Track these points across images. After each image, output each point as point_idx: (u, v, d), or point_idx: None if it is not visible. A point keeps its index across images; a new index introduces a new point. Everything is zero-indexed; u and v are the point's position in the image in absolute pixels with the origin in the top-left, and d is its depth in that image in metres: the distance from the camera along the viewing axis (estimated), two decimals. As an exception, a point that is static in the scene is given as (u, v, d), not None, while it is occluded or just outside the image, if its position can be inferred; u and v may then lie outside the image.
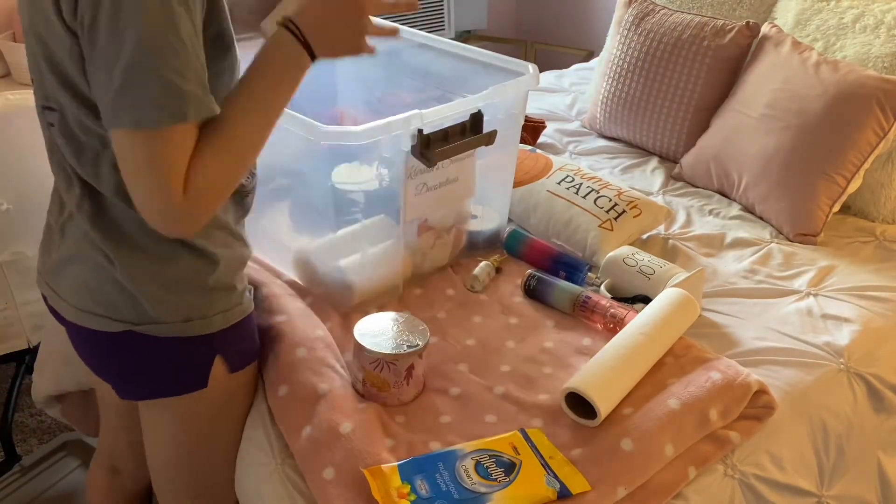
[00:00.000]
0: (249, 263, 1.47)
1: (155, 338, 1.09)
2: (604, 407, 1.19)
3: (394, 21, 3.29)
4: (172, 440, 1.22)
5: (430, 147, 1.34)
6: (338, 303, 1.43)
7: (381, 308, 1.45)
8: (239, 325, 1.17)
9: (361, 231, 1.44)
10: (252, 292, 1.25)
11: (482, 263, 1.57)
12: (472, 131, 1.40)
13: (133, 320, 1.08)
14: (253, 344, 1.24)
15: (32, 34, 1.00)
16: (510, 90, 1.48)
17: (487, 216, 1.65)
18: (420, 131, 1.33)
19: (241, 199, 1.17)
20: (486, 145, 1.43)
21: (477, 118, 1.40)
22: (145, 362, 1.12)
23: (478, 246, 1.64)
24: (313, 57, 1.02)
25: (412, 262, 1.52)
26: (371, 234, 1.45)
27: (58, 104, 1.01)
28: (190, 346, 1.12)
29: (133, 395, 1.17)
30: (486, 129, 1.41)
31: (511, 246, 1.66)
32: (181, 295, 1.09)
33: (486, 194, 1.61)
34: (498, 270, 1.59)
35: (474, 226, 1.62)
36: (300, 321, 1.33)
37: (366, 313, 1.34)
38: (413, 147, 1.34)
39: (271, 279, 1.43)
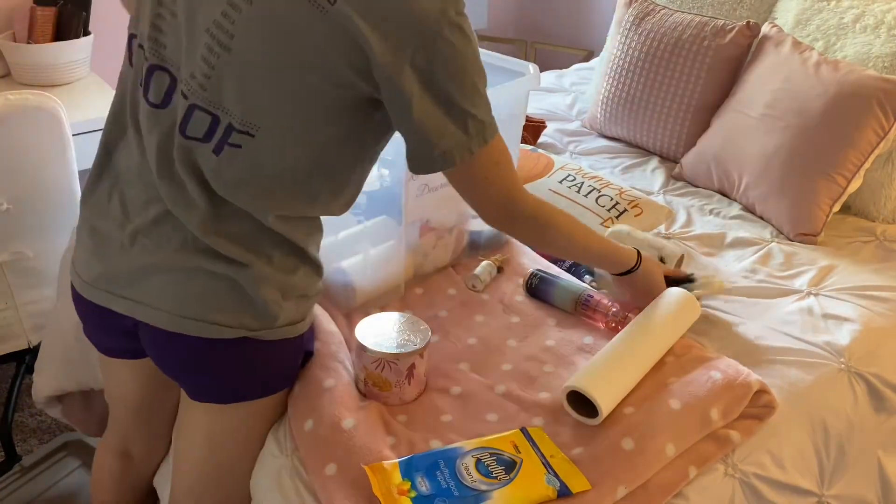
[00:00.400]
0: None
1: (267, 342, 1.15)
2: (605, 405, 1.19)
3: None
4: (212, 441, 1.23)
5: None
6: (341, 304, 1.44)
7: (382, 308, 1.45)
8: (312, 326, 1.27)
9: (363, 232, 1.44)
10: None
11: (483, 263, 1.57)
12: None
13: (250, 326, 1.12)
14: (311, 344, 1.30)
15: (294, 68, 1.01)
16: (511, 91, 1.48)
17: None
18: None
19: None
20: None
21: None
22: (254, 365, 1.17)
23: (479, 246, 1.64)
24: (623, 274, 1.37)
25: (414, 262, 1.52)
26: (373, 236, 1.45)
27: (275, 133, 1.04)
28: (292, 347, 1.20)
29: (222, 397, 1.19)
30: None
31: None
32: (293, 301, 1.16)
33: None
34: (499, 270, 1.59)
35: (475, 226, 1.62)
36: (316, 314, 1.34)
37: (367, 313, 1.34)
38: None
39: None
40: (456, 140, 1.04)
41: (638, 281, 1.39)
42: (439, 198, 1.47)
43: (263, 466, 1.22)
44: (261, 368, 1.18)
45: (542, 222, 1.19)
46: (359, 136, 1.09)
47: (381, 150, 1.16)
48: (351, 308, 1.43)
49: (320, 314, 1.35)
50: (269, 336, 1.14)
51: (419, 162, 1.07)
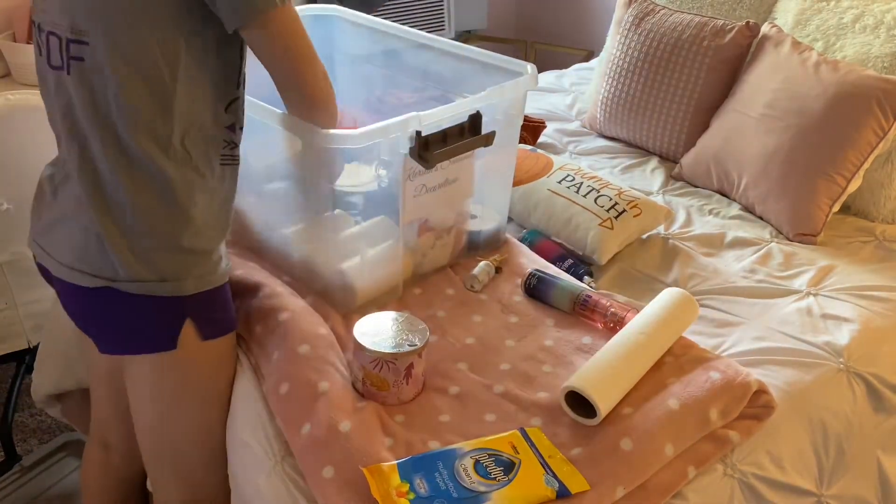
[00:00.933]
0: (251, 264, 1.47)
1: (130, 294, 1.15)
2: (603, 406, 1.19)
3: (394, 20, 3.30)
4: (149, 400, 1.26)
5: (428, 149, 1.34)
6: (340, 305, 1.44)
7: (380, 308, 1.45)
8: (212, 292, 1.22)
9: (361, 233, 1.44)
10: (228, 261, 1.27)
11: (482, 263, 1.57)
12: (470, 133, 1.40)
13: (111, 276, 1.14)
14: (227, 314, 1.27)
15: None
16: (508, 91, 1.48)
17: (487, 216, 1.65)
18: (418, 133, 1.33)
19: (228, 149, 1.21)
20: (485, 146, 1.43)
21: (475, 119, 1.40)
22: (121, 318, 1.18)
23: (478, 246, 1.64)
24: None
25: (412, 262, 1.52)
26: (371, 236, 1.45)
27: (103, 36, 1.05)
28: (162, 306, 1.17)
29: (110, 349, 1.23)
30: (484, 129, 1.41)
31: (531, 240, 1.71)
32: (156, 253, 1.14)
33: (486, 194, 1.61)
34: (498, 270, 1.59)
35: (474, 226, 1.62)
36: (304, 318, 1.33)
37: (366, 313, 1.34)
38: (411, 149, 1.34)
39: (273, 280, 1.43)
40: None
41: None
42: (438, 197, 1.47)
43: (252, 472, 1.21)
44: (132, 322, 1.18)
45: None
46: (194, 54, 1.10)
47: (233, 91, 1.19)
48: (350, 309, 1.43)
49: (305, 319, 1.33)
50: (134, 290, 1.14)
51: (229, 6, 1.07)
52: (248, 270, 1.45)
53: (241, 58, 1.19)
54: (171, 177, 1.12)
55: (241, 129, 1.24)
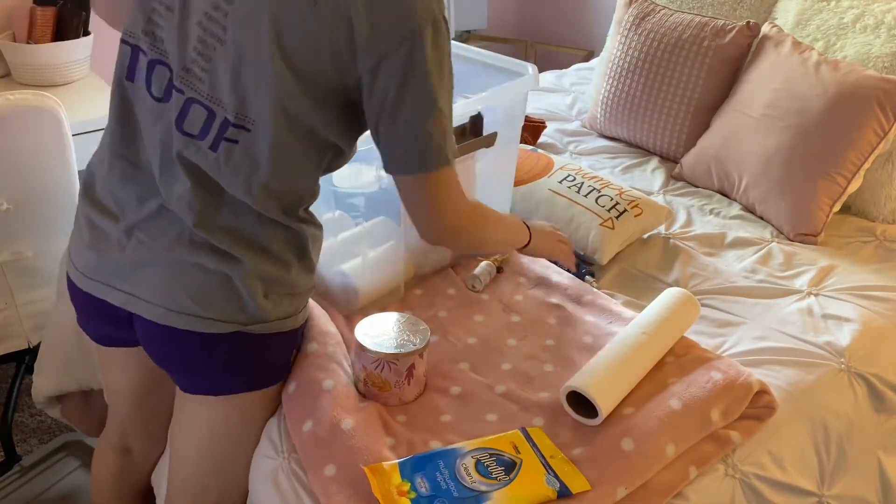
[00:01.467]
0: None
1: (258, 335, 1.15)
2: (605, 406, 1.19)
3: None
4: (207, 434, 1.24)
5: None
6: (342, 307, 1.44)
7: (382, 309, 1.45)
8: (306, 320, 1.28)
9: (362, 234, 1.44)
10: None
11: (483, 263, 1.57)
12: (472, 133, 1.40)
13: (242, 321, 1.13)
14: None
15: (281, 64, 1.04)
16: (510, 92, 1.48)
17: None
18: None
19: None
20: (487, 147, 1.43)
21: (477, 120, 1.40)
22: (245, 359, 1.18)
23: None
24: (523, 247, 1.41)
25: (414, 263, 1.52)
26: (372, 237, 1.45)
27: (269, 125, 1.06)
28: (284, 341, 1.21)
29: (214, 390, 1.20)
30: (486, 130, 1.41)
31: None
32: (286, 296, 1.17)
33: (487, 194, 1.61)
34: (499, 270, 1.59)
35: None
36: (314, 315, 1.33)
37: (368, 314, 1.34)
38: None
39: None
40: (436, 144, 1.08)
41: (532, 251, 1.46)
42: None
43: (260, 468, 1.22)
44: (252, 362, 1.19)
45: (479, 237, 1.25)
46: (343, 122, 1.12)
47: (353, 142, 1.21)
48: (352, 311, 1.43)
49: (319, 314, 1.35)
50: (261, 330, 1.15)
51: (405, 157, 1.09)
52: None
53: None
54: (296, 230, 1.16)
55: None
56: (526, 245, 1.40)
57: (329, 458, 1.13)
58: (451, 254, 1.60)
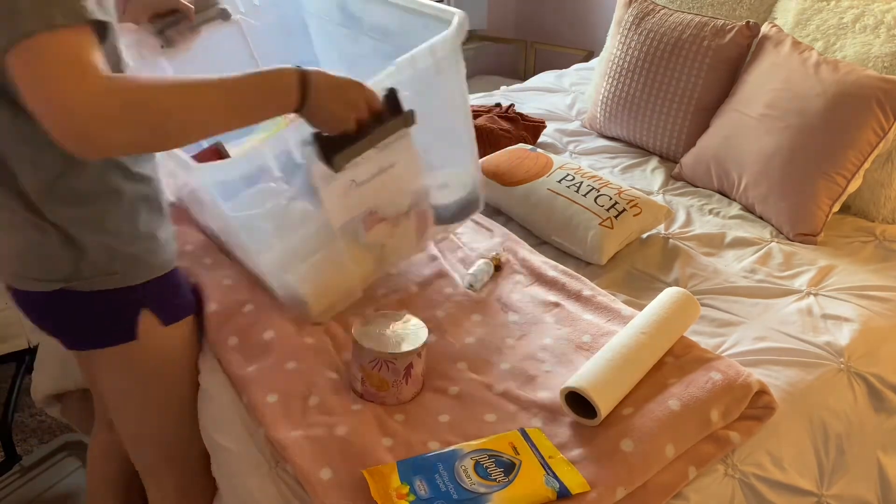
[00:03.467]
0: (239, 271, 1.47)
1: (84, 293, 1.14)
2: (604, 406, 1.19)
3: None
4: (117, 391, 1.28)
5: (337, 146, 1.18)
6: (300, 315, 1.40)
7: (377, 310, 1.45)
8: (165, 277, 1.21)
9: (292, 249, 1.34)
10: (174, 247, 1.25)
11: (480, 262, 1.56)
12: (390, 114, 1.22)
13: (63, 278, 1.12)
14: (184, 298, 1.28)
15: None
16: (421, 60, 1.30)
17: (453, 184, 1.52)
18: (317, 136, 1.18)
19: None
20: (406, 127, 1.25)
21: (392, 98, 1.23)
22: (77, 317, 1.17)
23: (450, 218, 1.54)
24: (296, 110, 1.07)
25: (371, 257, 1.44)
26: (304, 249, 1.35)
27: None
28: (116, 298, 1.16)
29: (73, 346, 1.23)
30: (413, 101, 1.24)
31: None
32: (101, 253, 1.12)
33: (448, 160, 1.48)
34: (497, 268, 1.59)
35: (441, 199, 1.50)
36: (289, 333, 1.34)
37: (364, 314, 1.34)
38: (314, 152, 1.19)
39: (254, 293, 1.43)
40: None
41: (311, 118, 1.12)
42: (376, 188, 1.33)
43: (244, 478, 1.20)
44: (91, 318, 1.18)
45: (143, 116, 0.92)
46: None
47: None
48: (313, 320, 1.40)
49: (291, 334, 1.34)
50: (86, 287, 1.13)
51: None
52: (236, 279, 1.45)
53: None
54: (97, 190, 1.10)
55: None
56: (299, 108, 1.08)
57: (324, 462, 1.13)
58: (417, 237, 1.48)
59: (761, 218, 1.88)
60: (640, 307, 1.49)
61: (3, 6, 0.86)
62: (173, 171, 1.29)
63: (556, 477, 1.11)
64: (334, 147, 1.18)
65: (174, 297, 1.25)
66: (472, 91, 3.27)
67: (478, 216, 1.76)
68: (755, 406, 1.28)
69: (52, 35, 0.86)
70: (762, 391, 1.28)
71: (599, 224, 1.66)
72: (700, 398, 1.23)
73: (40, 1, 0.86)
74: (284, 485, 1.16)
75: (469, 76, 4.06)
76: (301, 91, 1.06)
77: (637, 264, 1.68)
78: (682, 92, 2.08)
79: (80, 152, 0.90)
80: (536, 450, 1.15)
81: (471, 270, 1.55)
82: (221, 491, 1.25)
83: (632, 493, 1.13)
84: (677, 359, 1.33)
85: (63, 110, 0.86)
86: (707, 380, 1.26)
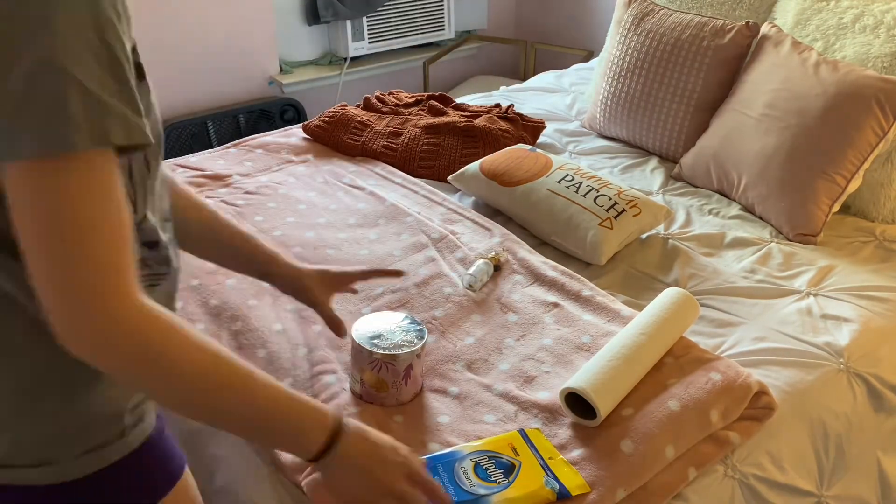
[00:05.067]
0: (229, 283, 1.45)
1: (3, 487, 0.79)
2: (604, 407, 1.19)
3: (394, 20, 3.29)
4: None
5: None
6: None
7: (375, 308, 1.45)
8: (129, 460, 0.84)
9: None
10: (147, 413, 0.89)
11: (480, 262, 1.56)
12: None
13: None
14: (161, 473, 0.89)
15: None
16: None
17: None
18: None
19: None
20: None
21: None
22: None
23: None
24: (313, 461, 0.87)
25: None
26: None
27: None
28: (45, 500, 0.80)
29: None
30: None
31: None
32: (37, 426, 0.79)
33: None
34: (497, 268, 1.58)
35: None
36: (280, 350, 1.34)
37: (363, 315, 1.34)
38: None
39: (247, 309, 1.43)
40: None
41: (331, 486, 0.90)
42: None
43: (242, 480, 1.20)
44: None
45: (155, 358, 0.72)
46: None
47: None
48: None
49: (282, 351, 1.33)
50: (6, 479, 0.80)
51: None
52: (223, 298, 1.45)
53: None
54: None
55: None
56: (315, 460, 0.87)
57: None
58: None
59: (761, 218, 1.87)
60: (640, 307, 1.48)
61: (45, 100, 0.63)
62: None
63: (555, 478, 1.11)
64: None
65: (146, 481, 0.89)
66: (472, 91, 3.28)
67: (477, 216, 1.75)
68: (755, 406, 1.28)
69: (84, 159, 0.65)
70: (762, 392, 1.28)
71: (599, 224, 1.65)
72: (700, 399, 1.23)
73: (97, 108, 0.65)
74: (283, 488, 1.16)
75: (469, 76, 4.06)
76: (327, 443, 0.86)
77: (636, 265, 1.68)
78: (681, 92, 2.07)
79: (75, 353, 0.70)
80: (536, 451, 1.15)
81: (470, 271, 1.55)
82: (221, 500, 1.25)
83: (632, 494, 1.13)
84: (677, 359, 1.33)
85: (72, 323, 0.68)
86: (707, 380, 1.26)
